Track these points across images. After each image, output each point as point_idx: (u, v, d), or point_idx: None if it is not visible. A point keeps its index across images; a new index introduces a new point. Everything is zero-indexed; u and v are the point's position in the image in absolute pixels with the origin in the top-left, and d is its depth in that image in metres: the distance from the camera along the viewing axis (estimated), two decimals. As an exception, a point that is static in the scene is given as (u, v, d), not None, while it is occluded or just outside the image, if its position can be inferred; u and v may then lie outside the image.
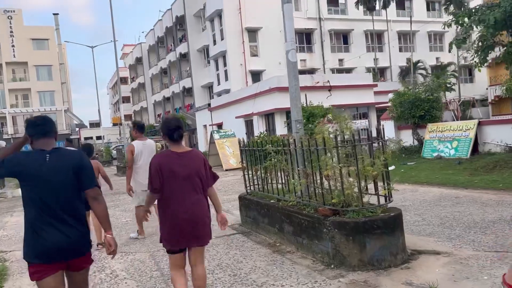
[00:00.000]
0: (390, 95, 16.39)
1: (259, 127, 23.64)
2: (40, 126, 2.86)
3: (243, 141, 7.24)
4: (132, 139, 7.30)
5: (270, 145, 6.08)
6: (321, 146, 4.71)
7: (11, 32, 53.36)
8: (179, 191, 3.37)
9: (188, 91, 43.58)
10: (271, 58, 34.07)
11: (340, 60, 38.37)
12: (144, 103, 59.34)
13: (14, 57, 53.61)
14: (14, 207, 12.12)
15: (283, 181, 5.93)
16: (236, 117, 25.22)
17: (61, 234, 2.68)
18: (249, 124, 24.86)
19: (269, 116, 22.92)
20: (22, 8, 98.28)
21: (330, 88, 21.88)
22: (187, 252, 3.52)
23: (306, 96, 18.22)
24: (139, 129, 6.69)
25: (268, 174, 6.20)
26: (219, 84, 36.27)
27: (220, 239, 6.19)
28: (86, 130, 61.60)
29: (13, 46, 53.47)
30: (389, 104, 16.90)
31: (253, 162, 6.73)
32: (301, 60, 36.11)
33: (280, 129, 21.63)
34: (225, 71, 34.82)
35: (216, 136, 18.59)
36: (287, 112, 21.83)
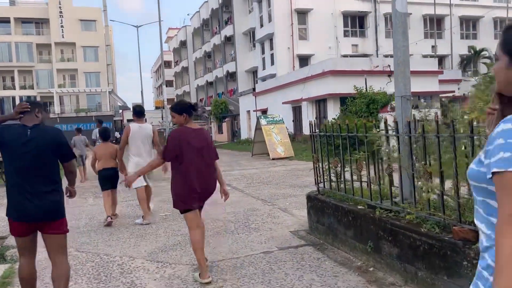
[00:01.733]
0: (476, 81, 14.15)
1: (309, 114, 21.95)
2: (28, 105, 3.23)
3: (314, 124, 5.65)
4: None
5: (375, 129, 4.49)
6: (465, 133, 3.04)
7: (60, 12, 53.94)
8: (195, 159, 3.83)
9: (231, 76, 42.33)
10: (320, 42, 32.14)
11: (395, 47, 35.67)
12: (187, 87, 58.78)
13: (63, 37, 54.26)
14: None
15: (378, 179, 4.29)
16: (283, 103, 23.65)
17: (33, 203, 3.07)
18: (297, 111, 23.24)
19: (320, 103, 21.20)
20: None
21: (390, 74, 19.74)
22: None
23: (366, 80, 16.37)
24: (136, 113, 6.78)
25: (354, 169, 4.58)
26: (264, 68, 34.72)
27: (285, 252, 4.70)
28: (129, 112, 61.80)
29: (62, 26, 54.09)
30: (456, 94, 14.76)
31: (330, 152, 5.14)
32: (352, 45, 33.93)
33: (333, 116, 19.84)
34: (271, 55, 33.17)
35: (263, 121, 17.09)
36: (342, 98, 20.00)
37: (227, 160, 17.80)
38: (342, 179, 4.92)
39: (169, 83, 66.95)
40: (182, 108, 3.94)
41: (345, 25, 34.25)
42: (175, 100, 64.90)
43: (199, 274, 3.89)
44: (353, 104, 15.77)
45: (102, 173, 6.77)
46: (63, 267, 3.25)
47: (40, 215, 3.10)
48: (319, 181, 5.48)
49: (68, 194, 3.48)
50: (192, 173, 3.81)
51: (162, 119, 54.88)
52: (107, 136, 7.15)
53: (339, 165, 4.90)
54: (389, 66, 20.08)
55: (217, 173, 4.12)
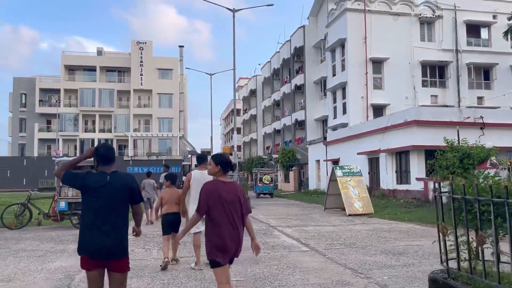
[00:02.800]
0: None
1: (387, 167, 20.22)
2: (109, 156, 3.69)
3: (439, 184, 4.36)
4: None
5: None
6: None
7: (141, 62, 57.64)
8: (225, 214, 3.81)
9: (300, 124, 41.69)
10: (396, 91, 30.65)
11: (479, 98, 33.06)
12: (254, 135, 59.07)
13: (141, 85, 57.62)
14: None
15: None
16: (358, 154, 22.15)
17: (104, 239, 3.46)
18: (373, 162, 21.61)
19: (401, 155, 19.48)
20: (153, 39, 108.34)
21: (483, 126, 17.76)
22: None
23: (458, 132, 14.64)
24: (199, 160, 6.99)
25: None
26: (335, 117, 33.62)
27: None
28: (197, 158, 63.07)
29: (141, 74, 57.59)
30: None
31: (469, 221, 3.82)
32: (431, 95, 31.99)
33: (416, 171, 18.03)
34: (343, 104, 32.10)
35: (338, 172, 15.76)
36: (428, 151, 18.18)
37: (298, 212, 16.51)
38: (483, 259, 3.55)
39: (237, 130, 67.89)
40: (220, 160, 4.03)
41: (424, 75, 32.55)
42: (241, 147, 65.48)
43: None
44: (443, 158, 14.01)
45: (166, 217, 6.97)
46: None
47: (108, 254, 3.47)
48: (447, 259, 4.09)
49: (134, 234, 3.85)
50: (222, 226, 3.82)
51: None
52: (174, 180, 7.42)
53: (486, 241, 3.53)
54: (481, 117, 18.12)
55: (248, 227, 4.04)
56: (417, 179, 17.81)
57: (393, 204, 17.03)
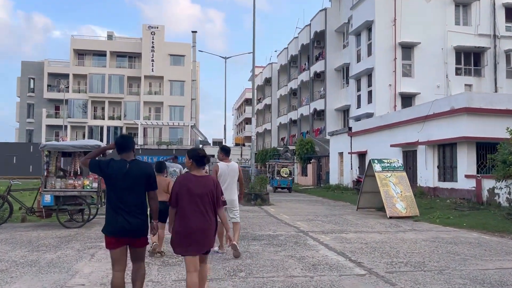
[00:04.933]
0: None
1: (427, 161, 17.75)
2: (125, 144, 4.09)
3: None
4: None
5: None
6: None
7: (152, 47, 55.48)
8: (193, 206, 4.09)
9: (318, 114, 39.19)
10: (427, 80, 28.04)
11: (518, 88, 30.23)
12: (268, 125, 56.74)
13: (153, 71, 55.54)
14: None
15: None
16: (392, 146, 19.68)
17: (127, 220, 3.89)
18: (409, 156, 19.14)
19: (445, 148, 16.98)
20: (165, 25, 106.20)
21: (545, 116, 15.15)
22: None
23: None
24: (225, 152, 7.18)
25: None
26: (358, 107, 31.11)
27: None
28: (209, 148, 61.05)
29: (152, 60, 55.48)
30: None
31: None
32: (465, 84, 29.23)
33: (466, 166, 15.54)
34: (369, 92, 29.56)
35: (377, 166, 13.37)
36: (480, 144, 15.69)
37: (326, 212, 14.20)
38: None
39: (249, 121, 65.44)
40: (193, 155, 4.30)
41: (458, 62, 29.76)
42: (254, 138, 63.30)
43: None
44: (509, 153, 11.53)
45: None
46: (141, 269, 4.10)
47: (132, 232, 3.92)
48: None
49: (152, 232, 4.25)
50: (188, 218, 4.06)
51: (241, 156, 52.95)
52: (160, 168, 7.31)
53: None
54: (543, 105, 15.51)
55: (222, 219, 4.39)
56: (467, 176, 15.34)
57: (438, 205, 14.61)
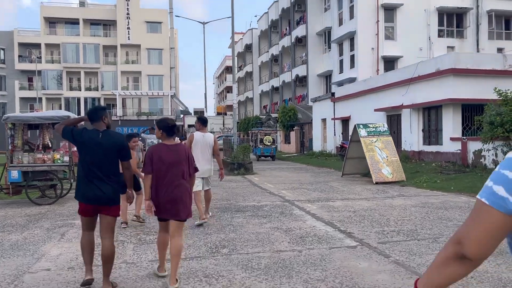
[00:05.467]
0: None
1: (412, 125, 17.47)
2: (94, 114, 4.18)
3: None
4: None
5: None
6: None
7: (128, 14, 53.21)
8: (164, 175, 4.20)
9: (300, 81, 38.52)
10: (410, 42, 27.53)
11: (500, 50, 30.01)
12: (250, 93, 55.87)
13: (129, 39, 53.46)
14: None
15: None
16: (376, 110, 19.31)
17: (98, 187, 3.99)
18: (393, 120, 18.82)
19: (430, 111, 16.67)
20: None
21: (531, 75, 14.89)
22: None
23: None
24: (202, 122, 7.17)
25: None
26: (341, 72, 30.56)
27: None
28: (190, 118, 60.01)
29: (128, 28, 53.31)
30: None
31: None
32: (448, 47, 28.85)
33: (451, 129, 15.30)
34: (351, 57, 28.97)
35: (362, 131, 12.99)
36: (466, 106, 15.44)
37: (311, 179, 13.87)
38: None
39: (230, 89, 64.31)
40: (163, 125, 4.35)
41: (440, 23, 29.28)
42: (235, 106, 62.45)
43: (158, 267, 4.47)
44: (496, 114, 11.23)
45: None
46: (109, 244, 4.06)
47: (102, 200, 4.01)
48: None
49: (127, 199, 4.49)
50: (160, 186, 4.19)
51: (223, 125, 52.23)
52: (129, 137, 7.37)
53: None
54: (529, 65, 15.22)
55: (191, 183, 4.46)
56: (452, 139, 15.12)
57: (424, 169, 14.43)
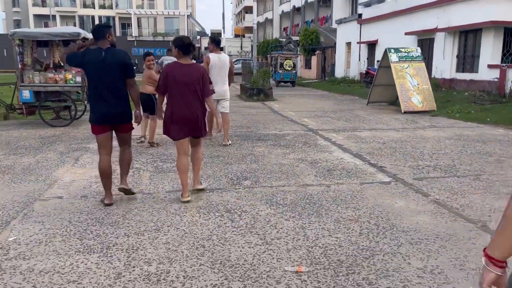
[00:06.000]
0: None
1: (446, 50, 16.24)
2: (98, 31, 4.04)
3: None
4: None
5: None
6: None
7: None
8: (179, 94, 4.16)
9: (324, 1, 36.16)
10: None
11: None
12: (270, 14, 53.18)
13: (143, -47, 50.22)
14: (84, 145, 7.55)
15: None
16: (406, 34, 17.95)
17: (109, 106, 4.00)
18: (425, 45, 17.49)
19: (468, 35, 15.35)
20: None
21: None
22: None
23: None
24: (215, 44, 6.99)
25: None
26: (370, -9, 28.24)
27: None
28: (207, 39, 58.02)
29: None
30: None
31: None
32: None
33: (490, 55, 14.13)
34: (383, -26, 26.54)
35: (393, 57, 12.02)
36: (508, 29, 14.11)
37: (335, 108, 13.22)
38: None
39: (249, 9, 61.29)
40: (178, 44, 4.23)
41: None
42: (255, 28, 59.78)
43: (181, 194, 4.33)
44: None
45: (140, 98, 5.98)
46: (127, 152, 4.33)
47: (114, 118, 4.07)
48: None
49: (136, 121, 4.29)
50: (175, 105, 4.17)
51: (241, 48, 50.46)
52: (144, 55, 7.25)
53: None
54: None
55: (209, 103, 4.41)
56: (490, 66, 14.01)
57: (455, 98, 13.57)
